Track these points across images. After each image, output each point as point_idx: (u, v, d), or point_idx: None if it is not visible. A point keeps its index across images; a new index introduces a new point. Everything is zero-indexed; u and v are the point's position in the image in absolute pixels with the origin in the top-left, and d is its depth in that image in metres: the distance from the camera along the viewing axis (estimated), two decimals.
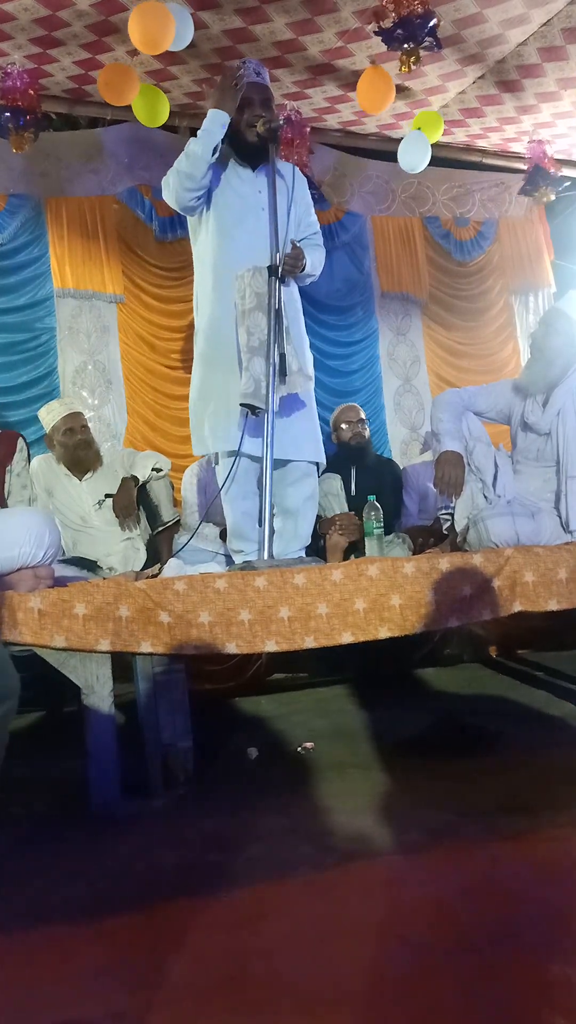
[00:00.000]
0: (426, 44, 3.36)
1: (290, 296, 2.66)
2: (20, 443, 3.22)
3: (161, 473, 3.35)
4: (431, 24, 3.29)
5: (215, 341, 2.62)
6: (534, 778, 1.78)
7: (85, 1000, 1.06)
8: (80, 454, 3.25)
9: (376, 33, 3.40)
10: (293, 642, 1.96)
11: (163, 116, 3.89)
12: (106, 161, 4.26)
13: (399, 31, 3.30)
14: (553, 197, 4.88)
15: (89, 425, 3.42)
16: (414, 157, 4.23)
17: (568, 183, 4.95)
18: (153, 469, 3.31)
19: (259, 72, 2.63)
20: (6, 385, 3.98)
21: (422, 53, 3.42)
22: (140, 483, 3.29)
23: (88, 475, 3.28)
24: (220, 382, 2.59)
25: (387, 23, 3.33)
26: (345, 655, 2.30)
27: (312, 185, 4.11)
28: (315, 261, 2.71)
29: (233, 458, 2.55)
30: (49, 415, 3.31)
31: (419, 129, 4.23)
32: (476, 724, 2.31)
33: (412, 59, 3.39)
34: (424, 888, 1.31)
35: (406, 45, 3.35)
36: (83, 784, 1.86)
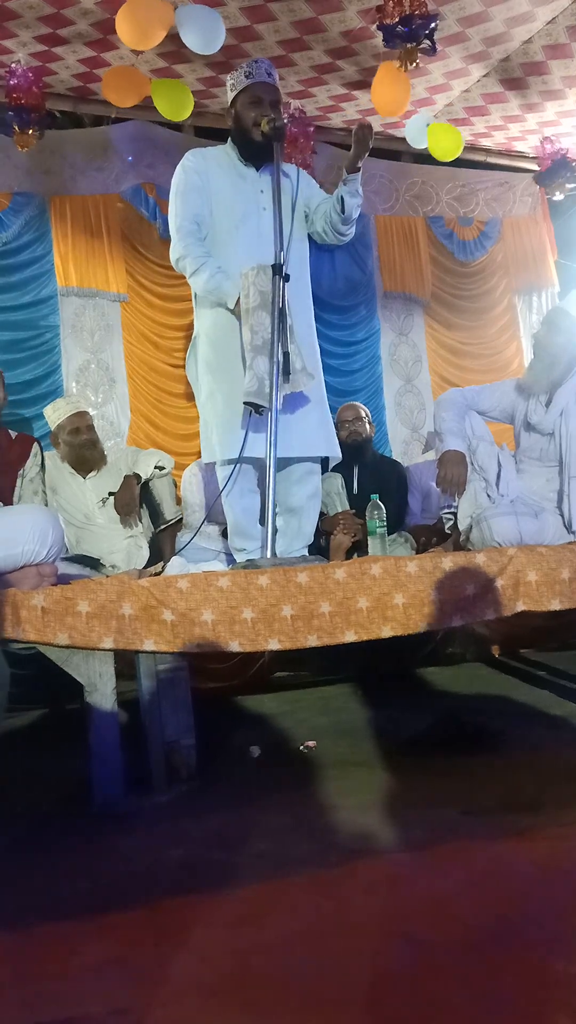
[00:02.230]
0: (424, 47, 3.36)
1: (300, 295, 2.65)
2: (35, 448, 3.22)
3: (164, 471, 3.35)
4: (432, 26, 3.29)
5: (219, 344, 2.62)
6: (537, 776, 1.78)
7: (88, 996, 1.06)
8: (85, 454, 3.26)
9: (378, 28, 3.39)
10: (296, 641, 1.96)
11: (187, 109, 3.82)
12: (110, 159, 4.26)
13: (400, 28, 3.30)
14: (571, 192, 4.88)
15: (94, 424, 3.42)
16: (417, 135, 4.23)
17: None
18: (156, 467, 3.32)
19: (270, 73, 2.63)
20: (10, 383, 3.97)
21: (421, 54, 3.41)
22: (142, 481, 3.29)
23: (92, 473, 3.28)
24: (227, 389, 2.58)
25: (390, 21, 3.32)
26: (348, 654, 2.30)
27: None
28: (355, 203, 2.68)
29: (235, 461, 2.55)
30: (55, 414, 3.31)
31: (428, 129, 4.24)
32: (479, 723, 2.31)
33: (409, 60, 3.39)
34: (427, 886, 1.31)
35: (407, 44, 3.35)
36: (86, 781, 1.86)
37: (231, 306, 2.52)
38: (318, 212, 2.72)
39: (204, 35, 3.27)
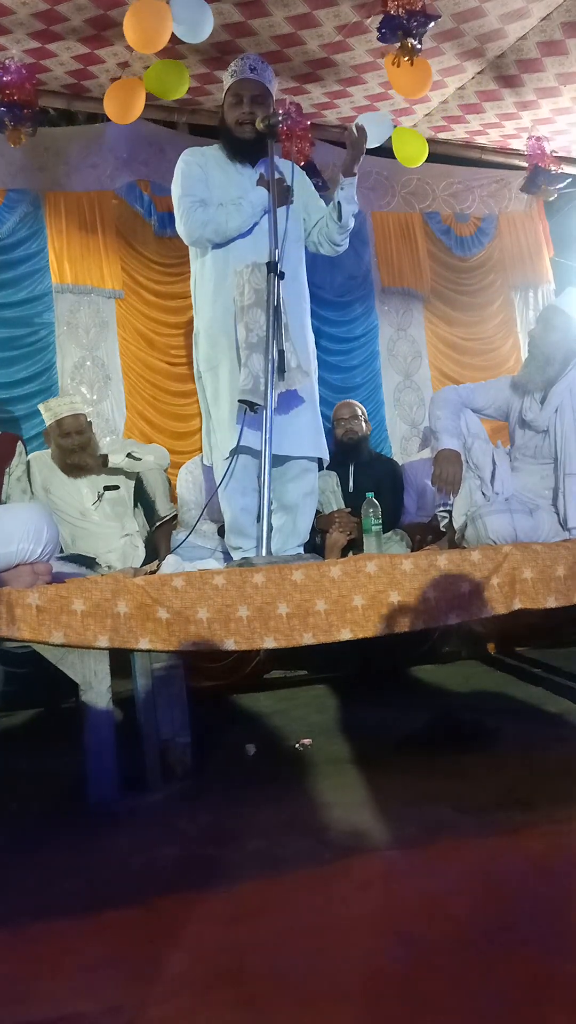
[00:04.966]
0: (415, 45, 3.33)
1: (297, 293, 2.65)
2: (19, 447, 3.20)
3: (139, 461, 3.29)
4: (430, 25, 3.27)
5: (216, 341, 2.62)
6: (532, 773, 1.78)
7: (83, 994, 1.06)
8: (74, 460, 3.21)
9: (384, 19, 3.33)
10: (291, 639, 1.96)
11: (183, 88, 3.78)
12: (105, 156, 4.24)
13: (399, 21, 3.27)
14: (555, 196, 4.87)
15: (91, 422, 3.39)
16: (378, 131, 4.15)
17: (568, 180, 4.94)
18: (128, 456, 3.27)
19: (255, 68, 2.62)
20: (4, 380, 3.97)
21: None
22: (109, 464, 3.25)
23: (84, 475, 3.26)
24: (226, 386, 2.58)
25: (396, 12, 3.28)
26: (343, 651, 2.30)
27: (316, 173, 4.11)
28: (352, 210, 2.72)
29: (231, 455, 2.55)
30: (48, 413, 3.28)
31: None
32: (474, 720, 2.31)
33: (404, 54, 3.36)
34: (421, 883, 1.31)
35: (407, 39, 3.32)
36: (81, 779, 1.86)
37: (245, 222, 2.53)
38: (312, 221, 2.73)
39: (191, 22, 3.24)
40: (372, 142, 4.10)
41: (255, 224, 2.58)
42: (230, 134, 2.61)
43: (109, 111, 3.69)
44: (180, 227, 2.62)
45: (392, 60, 3.43)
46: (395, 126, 4.19)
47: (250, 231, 2.58)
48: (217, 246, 2.61)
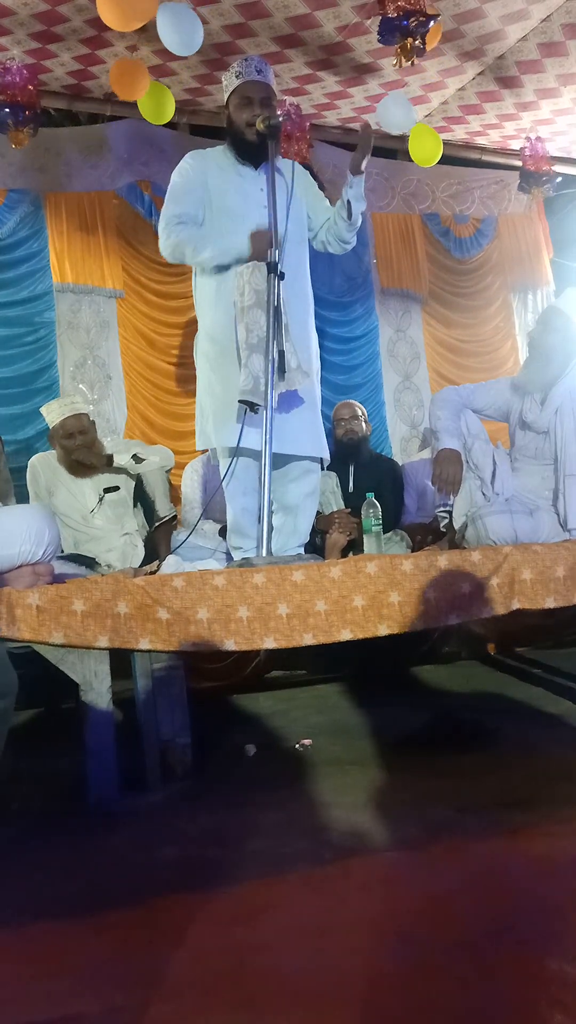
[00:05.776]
0: (417, 45, 3.33)
1: (298, 296, 2.65)
2: None
3: (143, 461, 3.29)
4: (430, 25, 3.28)
5: (219, 339, 2.62)
6: (532, 774, 1.78)
7: (83, 995, 1.06)
8: (80, 459, 3.21)
9: (381, 21, 3.33)
10: (292, 639, 1.96)
11: (168, 113, 3.86)
12: (105, 156, 4.25)
13: (396, 23, 3.26)
14: (551, 193, 4.87)
15: (94, 421, 3.38)
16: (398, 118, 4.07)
17: (562, 178, 4.93)
18: (132, 457, 3.27)
19: (260, 70, 2.62)
20: (5, 378, 3.98)
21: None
22: (114, 464, 3.26)
23: (90, 475, 3.26)
24: (222, 379, 2.59)
25: (394, 14, 3.28)
26: (343, 652, 2.30)
27: (313, 176, 4.12)
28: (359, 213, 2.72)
29: (232, 454, 2.56)
30: (50, 415, 3.28)
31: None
32: (474, 721, 2.31)
33: (406, 56, 3.36)
34: (422, 884, 1.31)
35: (406, 40, 3.32)
36: (82, 780, 1.86)
37: (244, 254, 2.52)
38: (319, 221, 2.72)
39: (182, 36, 3.25)
40: (396, 127, 4.04)
41: (257, 224, 2.57)
42: (240, 136, 2.60)
43: (115, 86, 3.67)
44: (168, 256, 2.63)
45: (394, 62, 3.43)
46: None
47: (255, 229, 2.57)
48: (221, 242, 2.60)
